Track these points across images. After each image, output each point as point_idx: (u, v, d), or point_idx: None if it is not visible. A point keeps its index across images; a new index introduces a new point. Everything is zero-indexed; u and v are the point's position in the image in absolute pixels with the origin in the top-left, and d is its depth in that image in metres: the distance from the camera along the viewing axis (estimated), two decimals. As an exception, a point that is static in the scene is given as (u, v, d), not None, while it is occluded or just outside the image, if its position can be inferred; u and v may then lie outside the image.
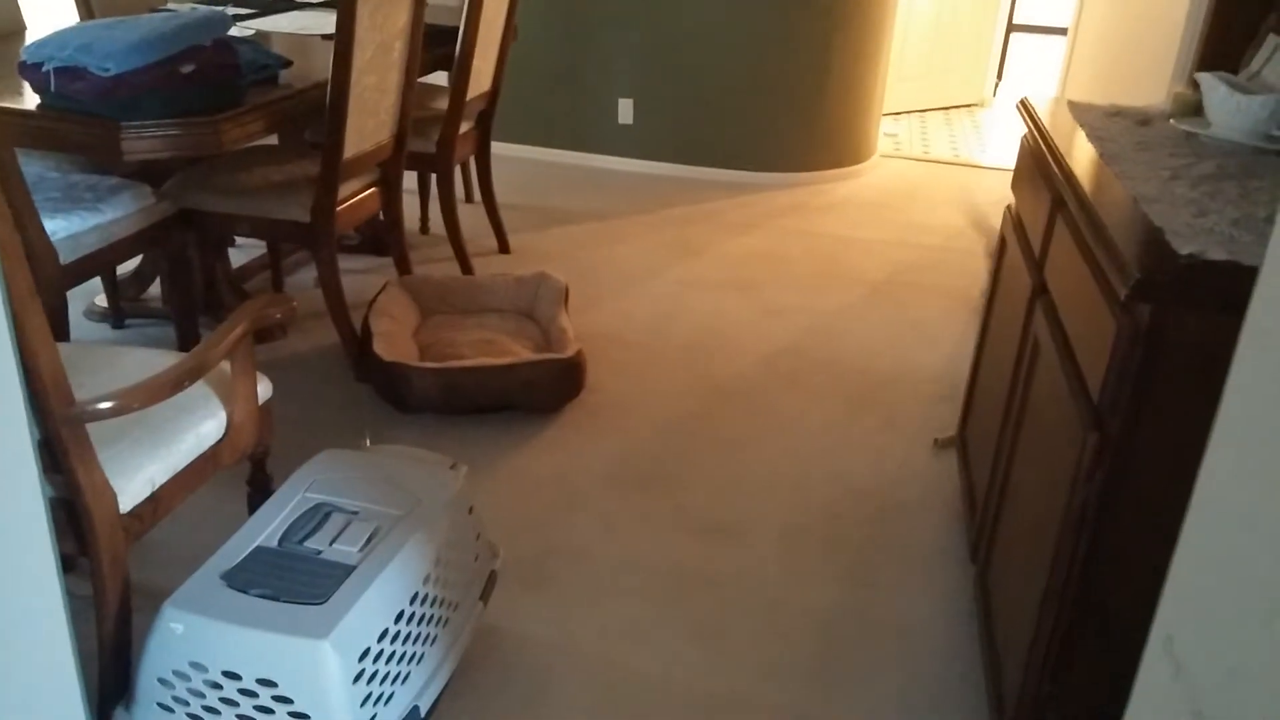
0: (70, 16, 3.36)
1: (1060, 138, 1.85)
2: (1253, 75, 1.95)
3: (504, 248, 3.79)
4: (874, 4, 4.65)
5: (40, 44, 2.22)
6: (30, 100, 2.29)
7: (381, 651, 1.41)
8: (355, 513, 1.56)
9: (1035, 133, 1.97)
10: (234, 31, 3.13)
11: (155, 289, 3.16)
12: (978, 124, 6.16)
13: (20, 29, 3.23)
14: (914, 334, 3.23)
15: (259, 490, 1.80)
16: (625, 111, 4.80)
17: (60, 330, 2.27)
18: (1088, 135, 1.87)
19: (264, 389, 1.73)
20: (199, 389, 1.62)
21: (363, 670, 1.37)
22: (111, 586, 1.42)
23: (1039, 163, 1.91)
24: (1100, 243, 1.35)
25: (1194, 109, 2.00)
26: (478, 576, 1.72)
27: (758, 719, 1.72)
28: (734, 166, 4.78)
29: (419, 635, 1.51)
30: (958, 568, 2.13)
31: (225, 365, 1.66)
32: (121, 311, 3.03)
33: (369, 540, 1.49)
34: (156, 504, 1.48)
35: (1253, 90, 1.79)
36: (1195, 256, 1.24)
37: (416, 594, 1.49)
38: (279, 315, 1.72)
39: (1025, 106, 2.12)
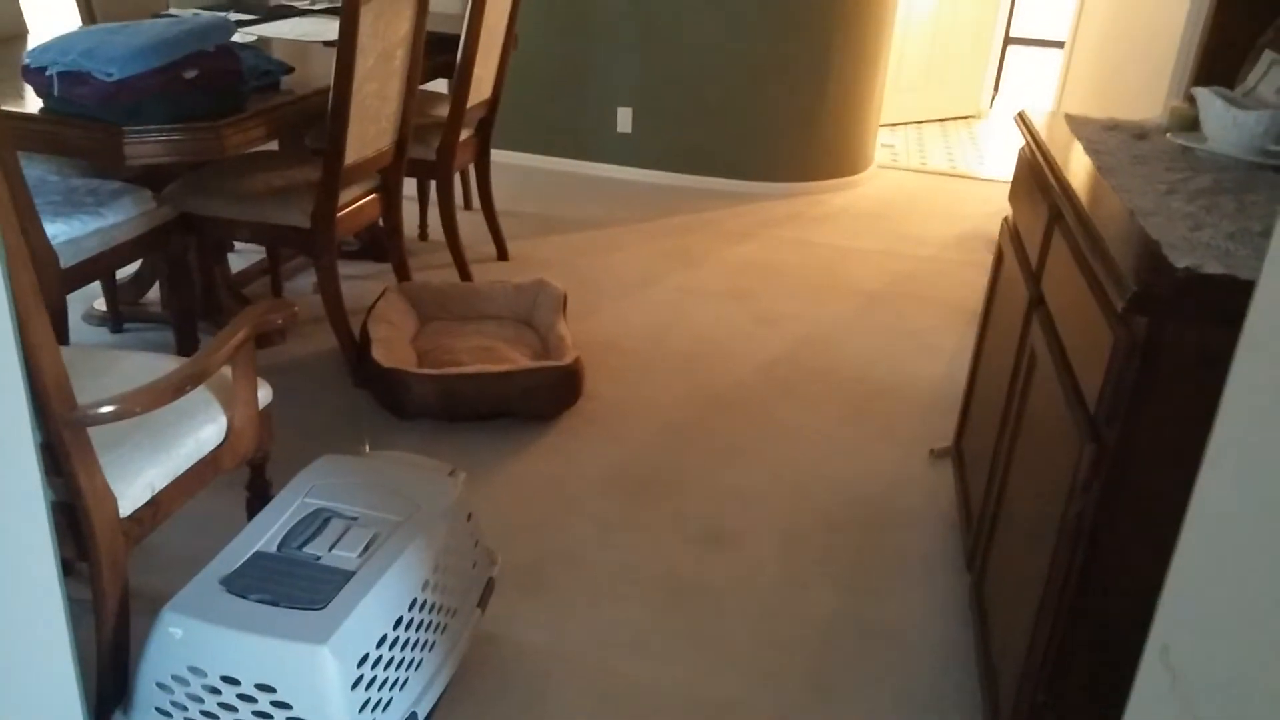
0: (72, 20, 3.37)
1: (1058, 150, 1.86)
2: (1249, 91, 1.97)
3: (503, 255, 3.80)
4: (872, 16, 4.67)
5: (44, 48, 2.23)
6: (33, 104, 2.30)
7: (380, 657, 1.41)
8: (354, 518, 1.56)
9: (1033, 145, 1.98)
10: (236, 38, 3.14)
11: (154, 293, 3.16)
12: (974, 136, 6.18)
13: (22, 32, 3.24)
14: (910, 344, 3.25)
15: (258, 495, 1.80)
16: (624, 120, 4.82)
17: (60, 334, 2.27)
18: (1085, 148, 1.88)
19: (264, 394, 1.73)
20: (200, 394, 1.62)
21: (361, 676, 1.37)
22: (111, 590, 1.42)
23: (1037, 175, 1.92)
24: (1098, 255, 1.37)
25: (1190, 123, 2.01)
26: (476, 583, 1.73)
27: (754, 727, 1.73)
28: (732, 176, 4.79)
29: (417, 641, 1.51)
30: (953, 577, 2.14)
31: (226, 370, 1.66)
32: (120, 316, 3.04)
33: (368, 546, 1.49)
34: (156, 508, 1.48)
35: (1249, 106, 1.81)
36: (1192, 270, 1.25)
37: (415, 600, 1.50)
38: (281, 321, 1.73)
39: (1023, 119, 2.13)
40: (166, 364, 1.65)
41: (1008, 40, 6.86)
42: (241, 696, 1.34)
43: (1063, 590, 1.38)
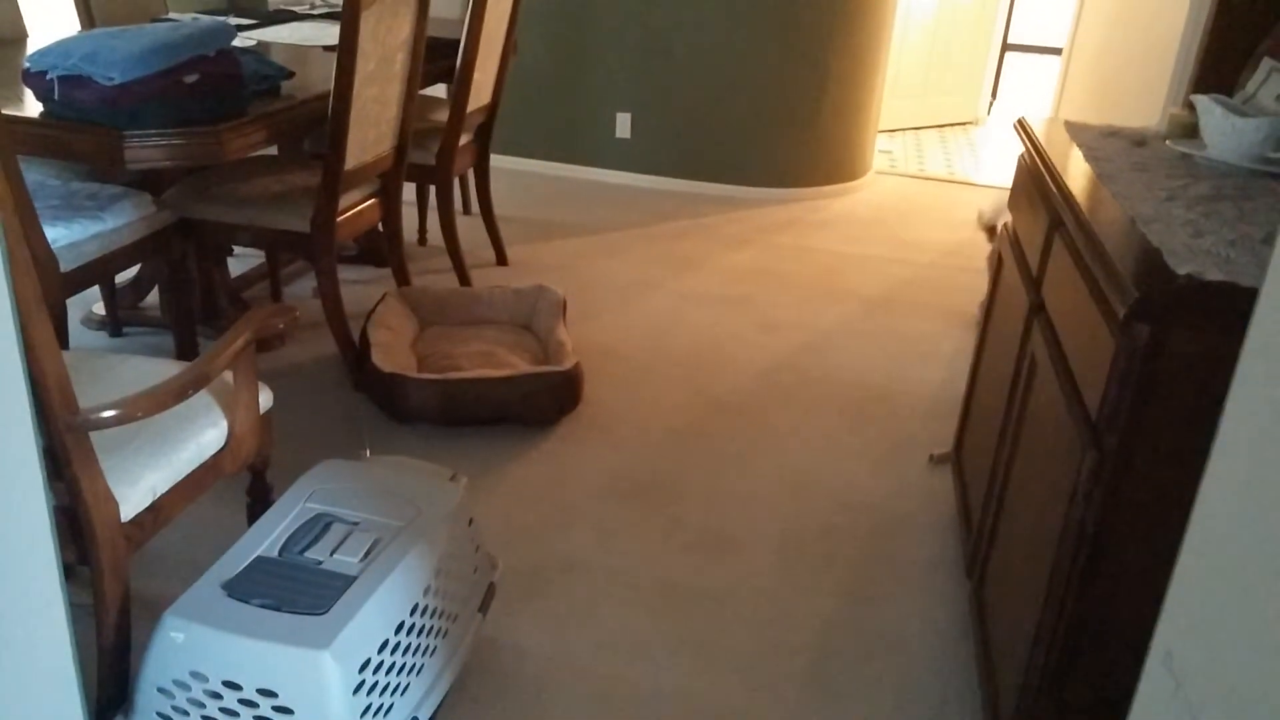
0: (71, 24, 3.37)
1: (1058, 157, 1.87)
2: (1248, 98, 1.97)
3: (502, 260, 3.81)
4: (870, 22, 4.68)
5: (44, 52, 2.23)
6: (33, 108, 2.30)
7: (382, 662, 1.41)
8: (356, 524, 1.56)
9: (1033, 152, 1.99)
10: (236, 42, 3.14)
11: (153, 297, 3.16)
12: (972, 142, 6.20)
13: (22, 36, 3.24)
14: (909, 350, 3.25)
15: (259, 500, 1.80)
16: (623, 125, 4.83)
17: (60, 338, 2.27)
18: (1085, 155, 1.89)
19: (265, 399, 1.73)
20: (201, 398, 1.62)
21: (363, 681, 1.37)
22: (112, 595, 1.42)
23: (1037, 182, 1.93)
24: (1099, 262, 1.37)
25: (1189, 130, 2.02)
26: (477, 588, 1.72)
27: (754, 733, 1.73)
28: (731, 181, 4.80)
29: (419, 646, 1.51)
30: (953, 583, 2.14)
31: (227, 375, 1.66)
32: (119, 320, 3.03)
33: (369, 551, 1.49)
34: (157, 513, 1.48)
35: (1248, 113, 1.81)
36: (1193, 277, 1.25)
37: (417, 605, 1.50)
38: (282, 325, 1.73)
39: (1023, 126, 2.14)
40: (167, 368, 1.65)
41: (1005, 47, 6.88)
42: (243, 701, 1.34)
43: (1064, 596, 1.38)
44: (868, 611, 2.04)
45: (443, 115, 3.38)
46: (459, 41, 3.20)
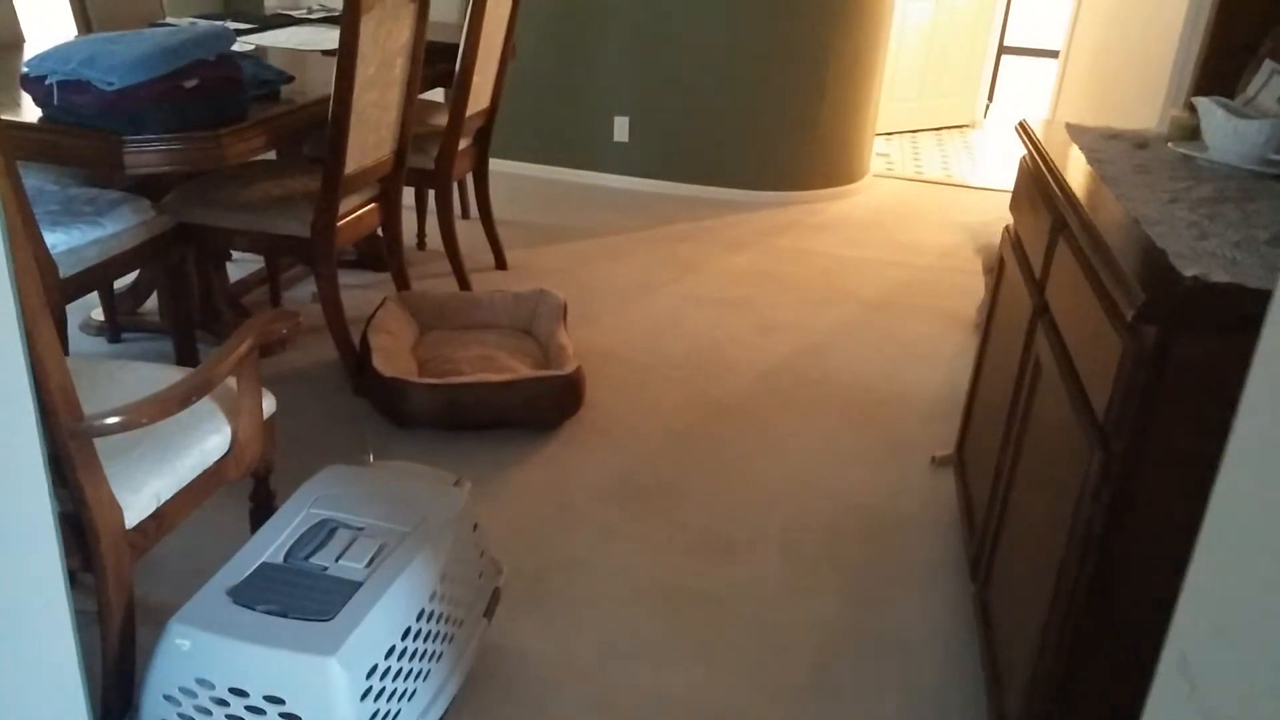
0: (68, 29, 3.37)
1: (1060, 160, 1.87)
2: (1249, 100, 1.98)
3: (501, 264, 3.80)
4: (868, 25, 4.69)
5: (43, 57, 2.22)
6: (31, 113, 2.29)
7: (389, 668, 1.40)
8: (360, 529, 1.55)
9: (1035, 155, 1.99)
10: (234, 47, 3.14)
11: (151, 303, 3.15)
12: (969, 145, 6.21)
13: (19, 41, 3.23)
14: (908, 353, 3.25)
15: (262, 506, 1.79)
16: (621, 129, 4.83)
17: (60, 344, 2.26)
18: (1087, 158, 1.89)
19: (268, 404, 1.73)
20: (204, 404, 1.61)
21: (370, 687, 1.36)
22: (116, 602, 1.41)
23: (1039, 184, 1.93)
24: (1105, 264, 1.37)
25: (1191, 133, 2.02)
26: (482, 593, 1.72)
27: (760, 737, 1.72)
28: (728, 185, 4.80)
29: (425, 652, 1.50)
30: (957, 584, 2.14)
31: (230, 381, 1.65)
32: (118, 326, 3.02)
33: (375, 557, 1.49)
34: (162, 519, 1.48)
35: (1249, 115, 1.82)
36: (1200, 279, 1.25)
37: (423, 610, 1.49)
38: (285, 330, 1.72)
39: (1024, 129, 2.14)
40: (169, 375, 1.65)
41: (1002, 50, 6.90)
42: (250, 709, 1.33)
43: (1071, 599, 1.38)
44: (871, 614, 2.04)
45: (442, 119, 3.38)
46: (457, 45, 3.20)
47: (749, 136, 4.72)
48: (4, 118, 2.27)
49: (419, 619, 1.48)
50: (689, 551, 2.20)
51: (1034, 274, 1.89)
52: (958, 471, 2.38)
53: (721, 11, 4.50)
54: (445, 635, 1.56)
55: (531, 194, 4.77)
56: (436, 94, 3.96)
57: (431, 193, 3.46)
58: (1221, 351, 1.21)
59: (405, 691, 1.45)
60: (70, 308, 3.00)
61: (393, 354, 2.68)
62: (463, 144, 3.46)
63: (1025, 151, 2.14)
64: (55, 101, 2.20)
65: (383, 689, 1.39)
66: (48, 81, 2.19)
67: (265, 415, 1.71)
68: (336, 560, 1.47)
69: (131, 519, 1.41)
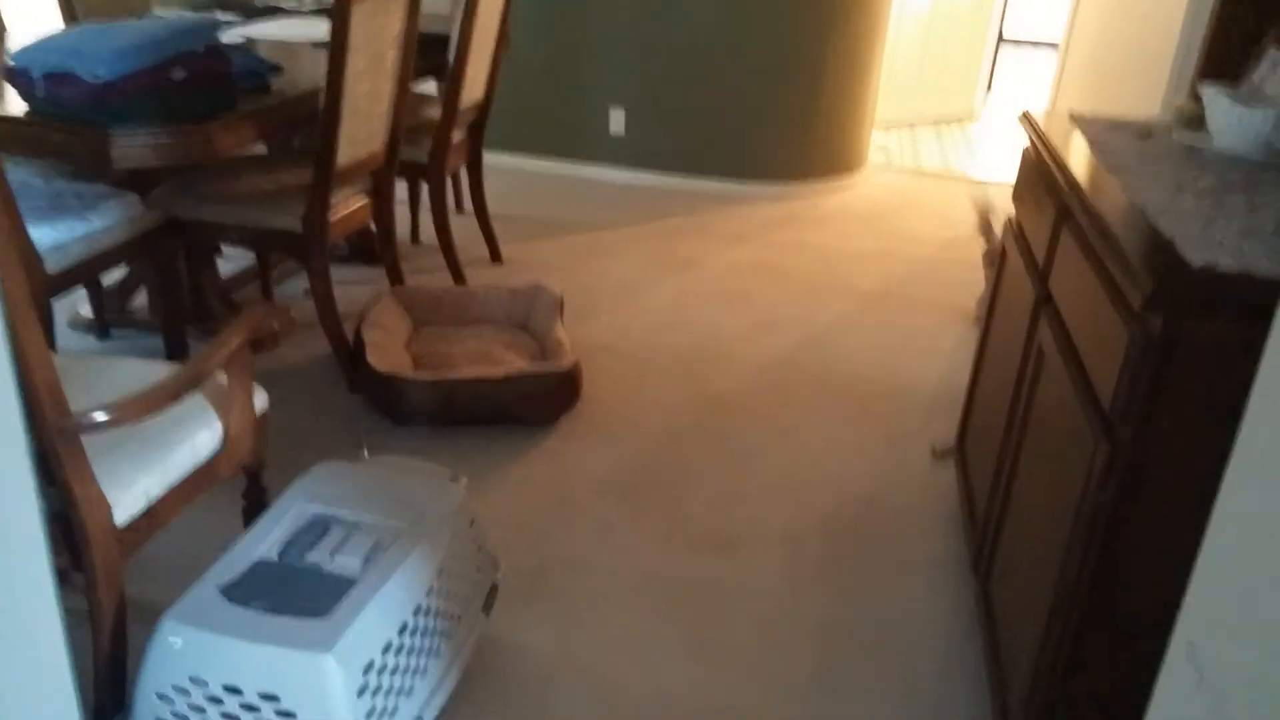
0: (52, 19, 3.33)
1: (1064, 150, 1.85)
2: (1254, 89, 1.95)
3: (496, 258, 3.77)
4: (866, 16, 4.66)
5: (28, 49, 2.19)
6: (17, 106, 2.26)
7: (385, 664, 1.38)
8: (356, 525, 1.53)
9: (1039, 145, 1.96)
10: (223, 39, 3.10)
11: (141, 299, 3.12)
12: (968, 136, 6.19)
13: (0, 32, 3.19)
14: (909, 345, 3.23)
15: (255, 503, 1.77)
16: (617, 121, 4.80)
17: (47, 341, 2.23)
18: (1091, 148, 1.87)
19: (260, 400, 1.70)
20: (195, 400, 1.59)
21: (366, 684, 1.34)
22: (107, 601, 1.38)
23: (1043, 175, 1.91)
24: (1112, 253, 1.35)
25: (1196, 122, 2.00)
26: (479, 588, 1.70)
27: (762, 734, 1.70)
28: (726, 177, 4.78)
29: (422, 648, 1.48)
30: (959, 577, 2.12)
31: (221, 376, 1.63)
32: (106, 322, 2.99)
33: (371, 553, 1.46)
34: (152, 517, 1.45)
35: (1255, 104, 1.79)
36: (1208, 267, 1.23)
37: (419, 606, 1.47)
38: (277, 326, 1.70)
39: (1028, 119, 2.12)
40: (158, 370, 1.62)
41: (1000, 41, 6.88)
42: (245, 706, 1.31)
43: (1075, 591, 1.36)
44: (872, 608, 2.02)
45: (435, 111, 3.35)
46: (449, 36, 3.16)
47: (747, 128, 4.69)
48: (-10, 111, 2.25)
49: (415, 614, 1.46)
50: (689, 546, 2.18)
51: (1037, 264, 1.86)
52: (958, 464, 2.36)
53: (719, 2, 4.47)
54: (442, 631, 1.54)
55: (526, 187, 4.74)
56: (430, 86, 3.93)
57: (425, 186, 3.43)
58: (1229, 340, 1.19)
59: (403, 687, 1.43)
60: (58, 304, 2.98)
61: (387, 349, 2.66)
62: (456, 136, 3.43)
63: (1029, 142, 2.12)
64: (40, 94, 2.17)
65: (379, 685, 1.37)
66: (33, 74, 2.16)
67: (257, 411, 1.68)
68: (331, 557, 1.45)
69: (121, 517, 1.39)
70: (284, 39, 3.28)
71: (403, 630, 1.42)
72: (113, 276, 3.13)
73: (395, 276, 3.09)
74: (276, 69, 2.67)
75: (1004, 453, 1.89)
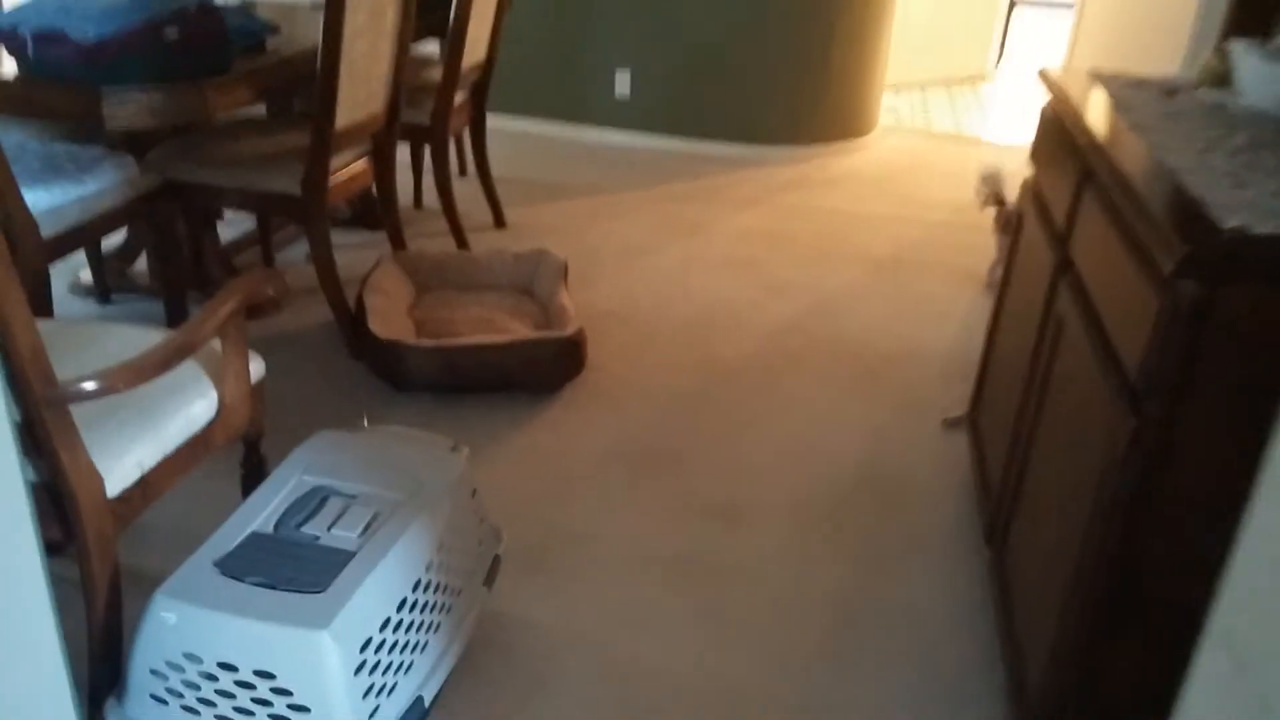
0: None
1: (1085, 108, 1.78)
2: (1285, 43, 1.88)
3: (500, 222, 3.71)
4: (877, -26, 4.55)
5: (17, 8, 2.13)
6: (8, 66, 2.20)
7: (384, 641, 1.34)
8: (354, 496, 1.49)
9: (1059, 103, 1.90)
10: (220, -3, 3.03)
11: (142, 263, 3.07)
12: (980, 97, 6.08)
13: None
14: (920, 311, 3.17)
15: (253, 473, 1.73)
16: (622, 83, 4.71)
17: (43, 306, 2.19)
18: (1114, 105, 1.80)
19: (257, 368, 1.65)
20: (189, 368, 1.54)
21: (364, 661, 1.30)
22: (100, 574, 1.35)
23: (1063, 135, 1.84)
24: (1140, 216, 1.29)
25: (1222, 78, 1.93)
26: (481, 561, 1.66)
27: (764, 708, 1.67)
28: (734, 139, 4.69)
29: (422, 623, 1.44)
30: (971, 550, 2.08)
31: (216, 343, 1.58)
32: (107, 287, 2.95)
33: (369, 525, 1.42)
34: (146, 488, 1.41)
35: (1287, 58, 1.72)
36: (1242, 230, 1.17)
37: (419, 580, 1.43)
38: (272, 291, 1.65)
39: (1047, 77, 2.05)
40: (154, 337, 1.57)
41: (1014, 1, 6.74)
42: (239, 683, 1.27)
43: (1097, 570, 1.32)
44: (883, 581, 1.98)
45: (437, 73, 3.27)
46: (453, -6, 3.08)
47: (755, 90, 4.60)
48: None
49: (415, 589, 1.42)
50: (695, 518, 2.14)
51: (1056, 229, 1.80)
52: (971, 434, 2.31)
53: (725, -40, 4.36)
54: (443, 606, 1.50)
55: (531, 150, 4.66)
56: (432, 47, 3.85)
57: (428, 149, 3.37)
58: (1266, 307, 1.14)
59: (402, 664, 1.40)
60: (58, 269, 2.94)
61: (389, 315, 2.61)
62: (458, 98, 3.36)
63: (1048, 100, 2.05)
64: (30, 54, 2.11)
65: (377, 662, 1.33)
66: (22, 33, 2.09)
67: (254, 379, 1.64)
68: (329, 529, 1.41)
69: (113, 488, 1.35)
70: (282, -2, 3.20)
71: (401, 606, 1.38)
72: (115, 241, 3.09)
73: (397, 241, 3.04)
74: (274, 29, 2.60)
75: (1020, 423, 1.84)
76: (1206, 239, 1.16)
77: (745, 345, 2.90)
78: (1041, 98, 5.94)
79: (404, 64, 2.79)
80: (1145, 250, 1.30)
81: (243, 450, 1.74)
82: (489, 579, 1.67)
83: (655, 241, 3.64)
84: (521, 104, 4.93)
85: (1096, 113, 1.75)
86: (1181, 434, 1.21)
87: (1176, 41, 3.36)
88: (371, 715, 1.32)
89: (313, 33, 2.66)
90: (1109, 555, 1.30)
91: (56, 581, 1.38)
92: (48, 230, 2.18)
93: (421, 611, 1.44)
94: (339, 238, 3.44)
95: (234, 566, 1.33)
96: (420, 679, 1.45)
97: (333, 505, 1.46)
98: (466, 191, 3.86)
